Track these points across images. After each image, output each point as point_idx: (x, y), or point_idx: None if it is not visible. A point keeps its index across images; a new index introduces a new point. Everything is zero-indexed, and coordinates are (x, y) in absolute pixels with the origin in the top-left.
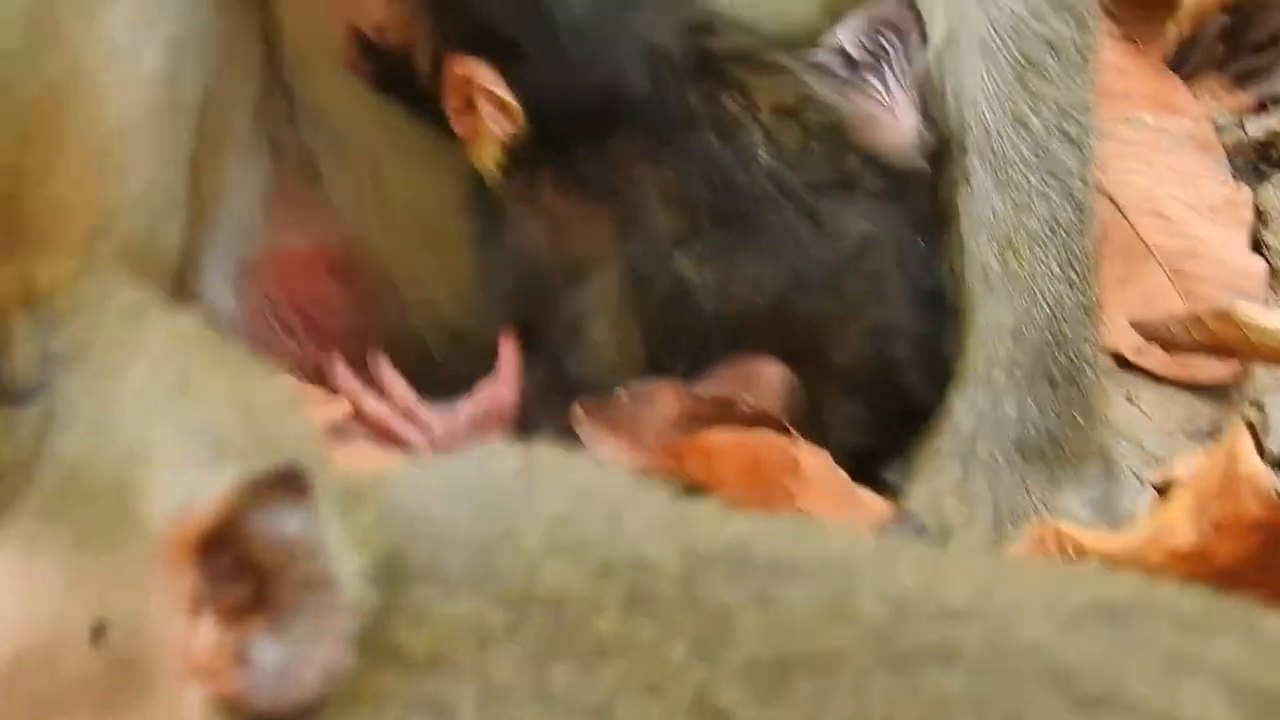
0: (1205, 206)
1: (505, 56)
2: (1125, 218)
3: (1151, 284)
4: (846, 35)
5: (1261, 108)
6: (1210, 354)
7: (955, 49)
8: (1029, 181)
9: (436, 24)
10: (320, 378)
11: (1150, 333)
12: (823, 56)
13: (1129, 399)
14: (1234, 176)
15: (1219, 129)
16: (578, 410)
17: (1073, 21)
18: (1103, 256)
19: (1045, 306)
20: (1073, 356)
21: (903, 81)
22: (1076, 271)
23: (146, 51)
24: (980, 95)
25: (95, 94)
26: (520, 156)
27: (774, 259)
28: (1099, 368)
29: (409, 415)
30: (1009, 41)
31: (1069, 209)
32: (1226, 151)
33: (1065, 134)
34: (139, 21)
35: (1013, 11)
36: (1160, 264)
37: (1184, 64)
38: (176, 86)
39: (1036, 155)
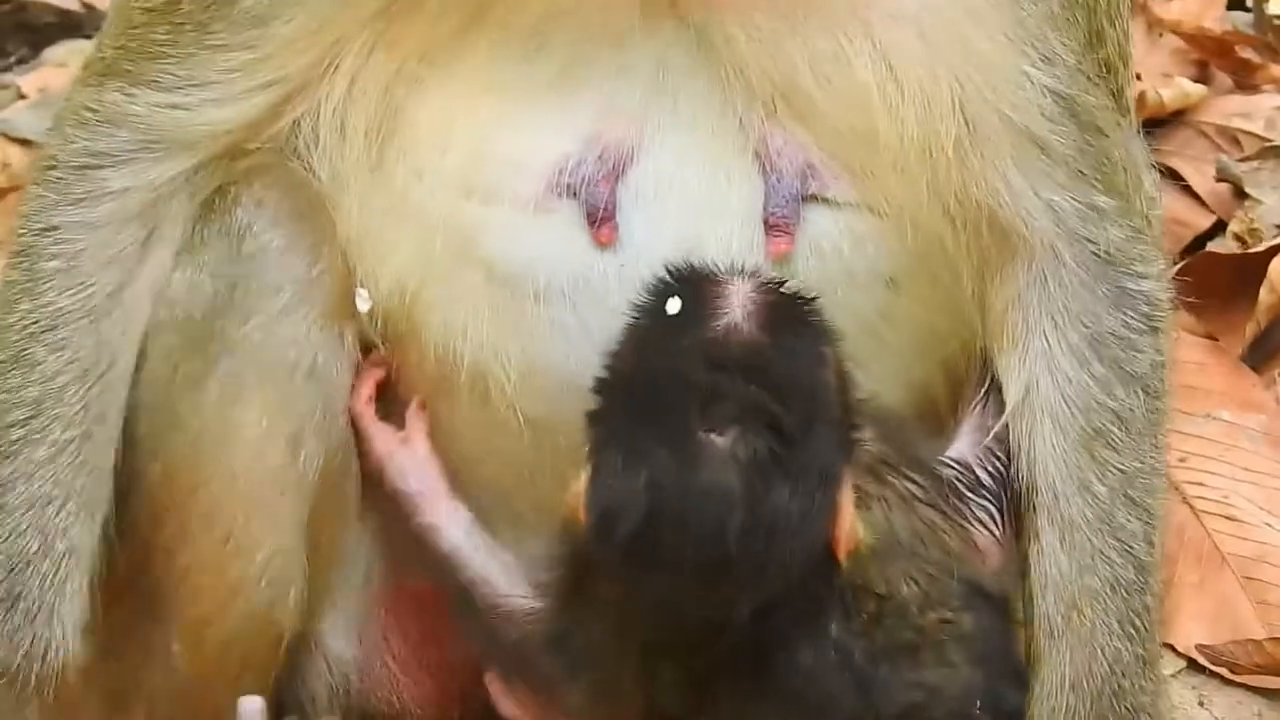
0: (1278, 506)
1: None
2: (1201, 523)
3: (1225, 590)
4: (970, 449)
5: None
6: (1273, 674)
7: (1028, 414)
8: (1092, 544)
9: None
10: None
11: (1216, 657)
12: (950, 471)
13: (1200, 702)
14: None
15: None
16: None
17: (1141, 393)
18: (1178, 560)
19: (1104, 661)
20: (1130, 706)
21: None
22: (1136, 627)
23: (271, 446)
24: (1050, 461)
25: (221, 481)
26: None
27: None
28: (1158, 712)
29: None
30: (1078, 414)
31: (1131, 569)
32: None
33: (1130, 499)
34: (267, 419)
35: (1083, 385)
36: (1233, 571)
37: (1264, 345)
38: (296, 469)
39: (1101, 520)
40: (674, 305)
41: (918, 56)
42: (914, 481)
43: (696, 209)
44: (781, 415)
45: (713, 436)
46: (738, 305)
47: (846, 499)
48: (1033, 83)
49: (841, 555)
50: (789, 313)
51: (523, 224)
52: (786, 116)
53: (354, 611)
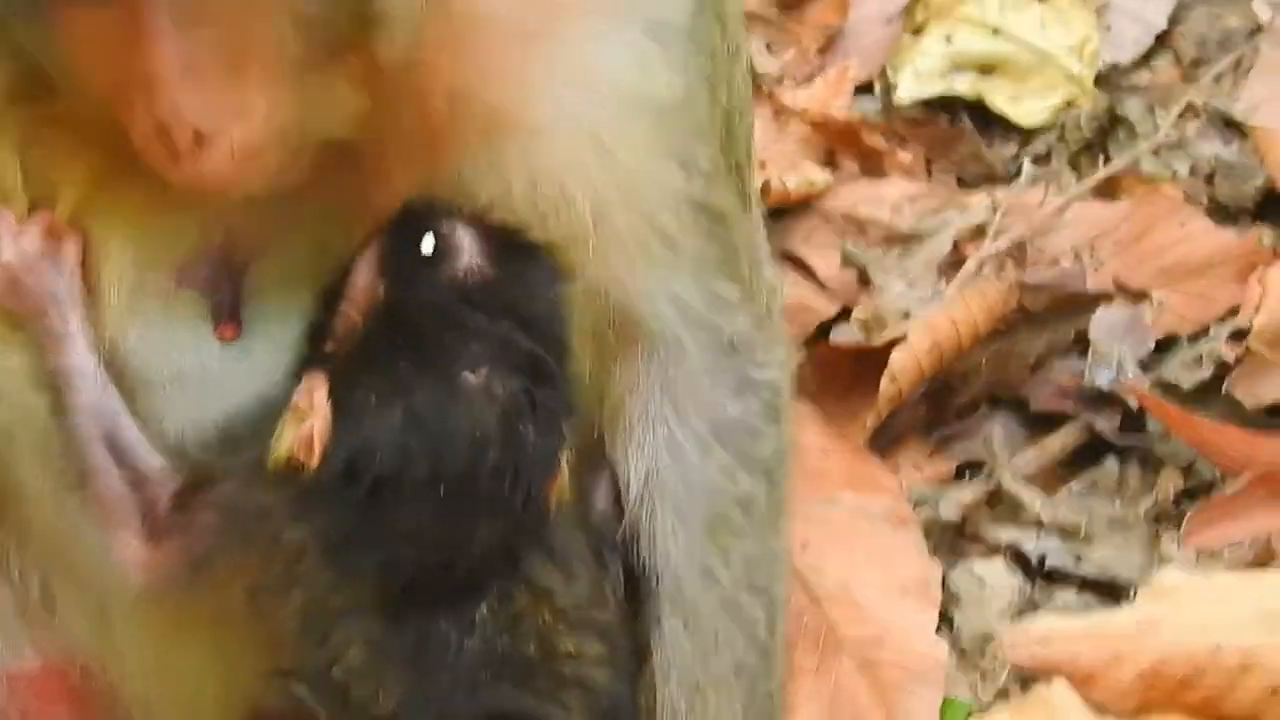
0: (897, 588)
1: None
2: (820, 608)
3: (842, 675)
4: (603, 498)
5: (960, 475)
6: None
7: (650, 501)
8: (716, 631)
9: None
10: None
11: None
12: (597, 515)
13: None
14: (931, 551)
15: (917, 503)
16: None
17: (764, 480)
18: (796, 646)
19: None
20: None
21: None
22: (760, 713)
23: None
24: (672, 547)
25: None
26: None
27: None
28: None
29: None
30: (700, 501)
31: (755, 655)
32: (923, 526)
33: (753, 585)
34: None
35: (706, 472)
36: (850, 654)
37: (887, 430)
38: None
39: (724, 606)
40: (428, 244)
41: (564, 175)
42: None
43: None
44: (537, 355)
45: (469, 375)
46: (484, 248)
47: (568, 436)
48: (670, 191)
49: (553, 493)
50: (531, 255)
51: (152, 315)
52: None
53: None
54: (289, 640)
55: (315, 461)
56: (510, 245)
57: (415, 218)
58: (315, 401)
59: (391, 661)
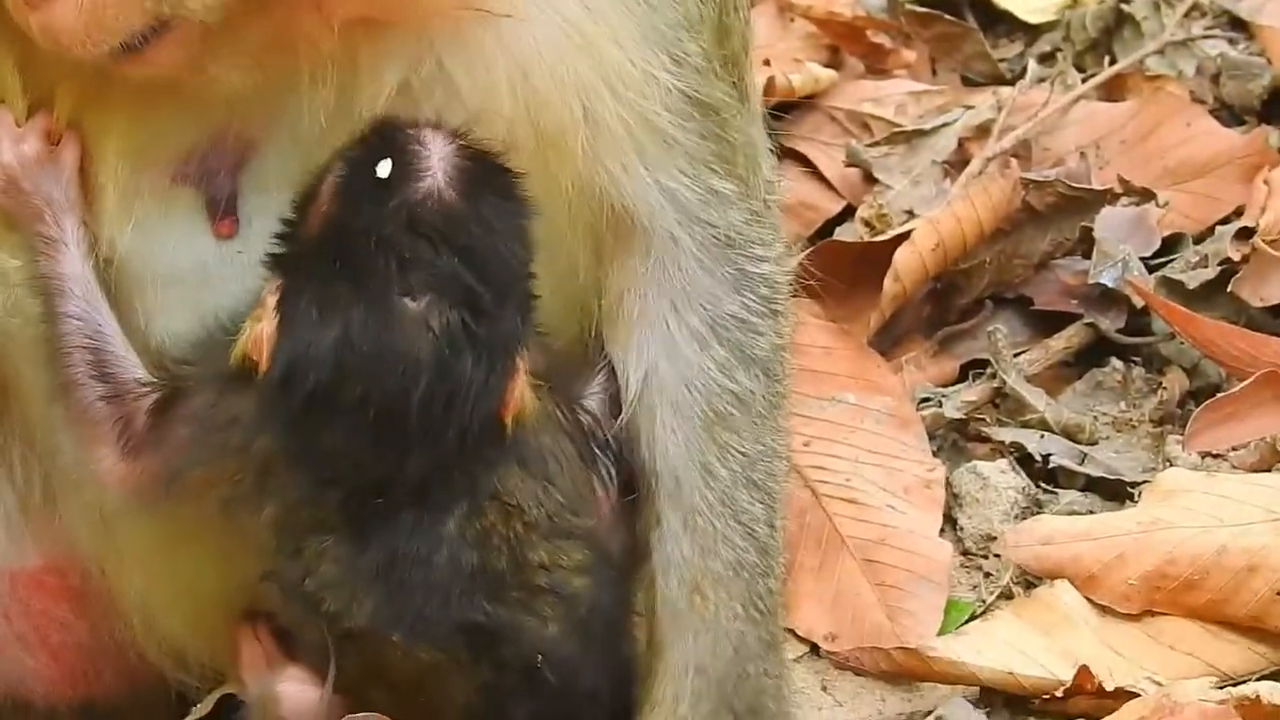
0: (900, 488)
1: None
2: (823, 507)
3: (845, 574)
4: (599, 408)
5: (964, 374)
6: (898, 680)
7: (649, 398)
8: (715, 527)
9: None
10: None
11: (842, 662)
12: (587, 418)
13: (824, 687)
14: (934, 451)
15: (921, 402)
16: None
17: (762, 376)
18: (799, 545)
19: (729, 645)
20: (755, 689)
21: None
22: (759, 610)
23: None
24: (670, 444)
25: None
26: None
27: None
28: (781, 696)
29: None
30: (699, 398)
31: (754, 552)
32: (926, 427)
33: (752, 482)
34: None
35: (704, 368)
36: (852, 554)
37: (891, 329)
38: None
39: (723, 503)
40: (384, 168)
41: (550, 67)
42: (560, 408)
43: None
44: (479, 290)
45: (408, 301)
46: (447, 173)
47: (521, 366)
48: (661, 84)
49: (508, 418)
50: (496, 185)
51: (149, 212)
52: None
53: None
54: (266, 551)
55: (264, 364)
56: (478, 173)
57: (380, 138)
58: (268, 303)
59: (361, 577)
